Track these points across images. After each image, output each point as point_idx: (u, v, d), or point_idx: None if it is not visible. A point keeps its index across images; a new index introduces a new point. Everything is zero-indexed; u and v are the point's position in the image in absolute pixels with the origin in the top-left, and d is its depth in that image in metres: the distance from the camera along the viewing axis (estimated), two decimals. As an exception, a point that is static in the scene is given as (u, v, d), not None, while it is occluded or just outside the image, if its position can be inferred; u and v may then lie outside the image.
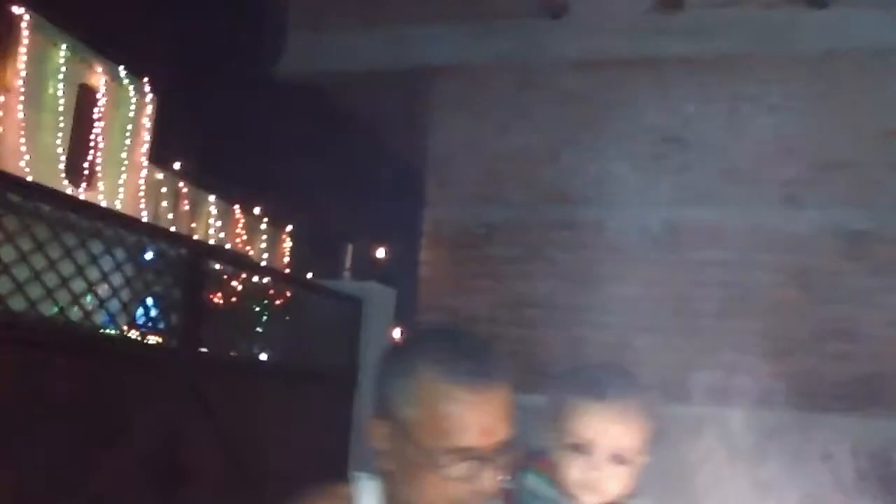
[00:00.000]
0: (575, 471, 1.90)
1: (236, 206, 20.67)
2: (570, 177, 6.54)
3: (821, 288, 5.86)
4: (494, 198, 6.82)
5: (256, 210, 21.32)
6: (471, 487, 1.66)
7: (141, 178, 17.23)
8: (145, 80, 17.32)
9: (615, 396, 1.90)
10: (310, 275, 10.52)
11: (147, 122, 17.46)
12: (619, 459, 1.88)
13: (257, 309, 6.67)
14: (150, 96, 17.54)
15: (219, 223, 20.02)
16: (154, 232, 5.72)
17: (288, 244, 22.72)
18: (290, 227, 22.70)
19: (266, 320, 6.68)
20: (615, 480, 1.89)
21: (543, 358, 5.95)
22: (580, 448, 1.90)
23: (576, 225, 6.53)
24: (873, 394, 5.63)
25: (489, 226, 6.75)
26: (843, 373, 5.79)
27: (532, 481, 1.98)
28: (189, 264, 5.03)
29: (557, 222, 6.56)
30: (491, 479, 1.66)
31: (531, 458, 1.97)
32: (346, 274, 12.91)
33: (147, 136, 17.52)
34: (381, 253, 17.36)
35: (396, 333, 7.13)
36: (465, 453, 1.64)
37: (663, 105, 6.30)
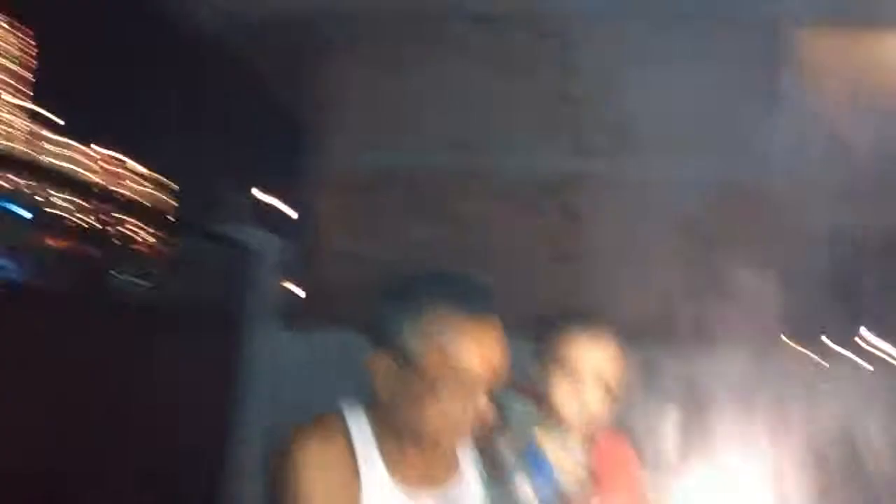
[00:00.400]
0: (562, 387, 2.10)
1: (98, 147, 19.98)
2: (465, 126, 6.65)
3: (705, 238, 6.17)
4: (388, 144, 6.86)
5: (117, 152, 20.66)
6: (467, 411, 1.80)
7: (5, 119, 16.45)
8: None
9: (601, 329, 2.28)
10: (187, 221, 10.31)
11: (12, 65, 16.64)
12: (600, 382, 2.08)
13: (141, 254, 6.54)
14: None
15: (76, 165, 19.31)
16: (56, 178, 5.49)
17: (146, 186, 22.13)
18: (164, 171, 22.12)
19: (149, 265, 6.56)
20: (597, 399, 2.10)
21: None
22: (567, 369, 2.24)
23: (470, 172, 6.66)
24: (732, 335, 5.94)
25: (383, 172, 6.78)
26: (715, 316, 6.10)
27: (511, 403, 2.14)
28: (79, 209, 4.88)
29: (454, 169, 6.68)
30: (485, 403, 1.81)
31: (513, 385, 2.15)
32: (233, 220, 12.66)
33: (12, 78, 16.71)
34: (267, 199, 17.11)
35: (283, 281, 7.08)
36: (465, 379, 1.78)
37: (560, 59, 6.44)
